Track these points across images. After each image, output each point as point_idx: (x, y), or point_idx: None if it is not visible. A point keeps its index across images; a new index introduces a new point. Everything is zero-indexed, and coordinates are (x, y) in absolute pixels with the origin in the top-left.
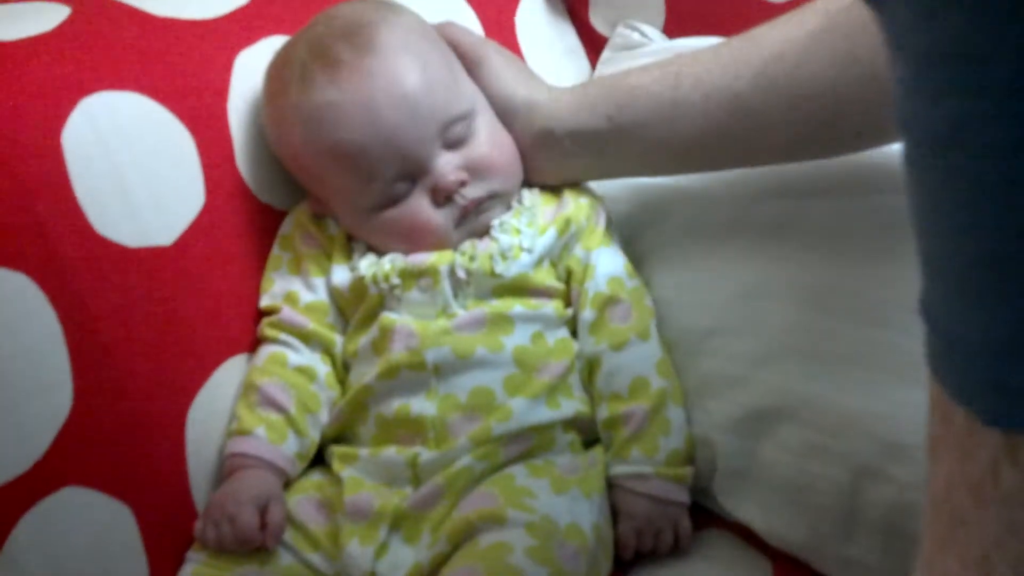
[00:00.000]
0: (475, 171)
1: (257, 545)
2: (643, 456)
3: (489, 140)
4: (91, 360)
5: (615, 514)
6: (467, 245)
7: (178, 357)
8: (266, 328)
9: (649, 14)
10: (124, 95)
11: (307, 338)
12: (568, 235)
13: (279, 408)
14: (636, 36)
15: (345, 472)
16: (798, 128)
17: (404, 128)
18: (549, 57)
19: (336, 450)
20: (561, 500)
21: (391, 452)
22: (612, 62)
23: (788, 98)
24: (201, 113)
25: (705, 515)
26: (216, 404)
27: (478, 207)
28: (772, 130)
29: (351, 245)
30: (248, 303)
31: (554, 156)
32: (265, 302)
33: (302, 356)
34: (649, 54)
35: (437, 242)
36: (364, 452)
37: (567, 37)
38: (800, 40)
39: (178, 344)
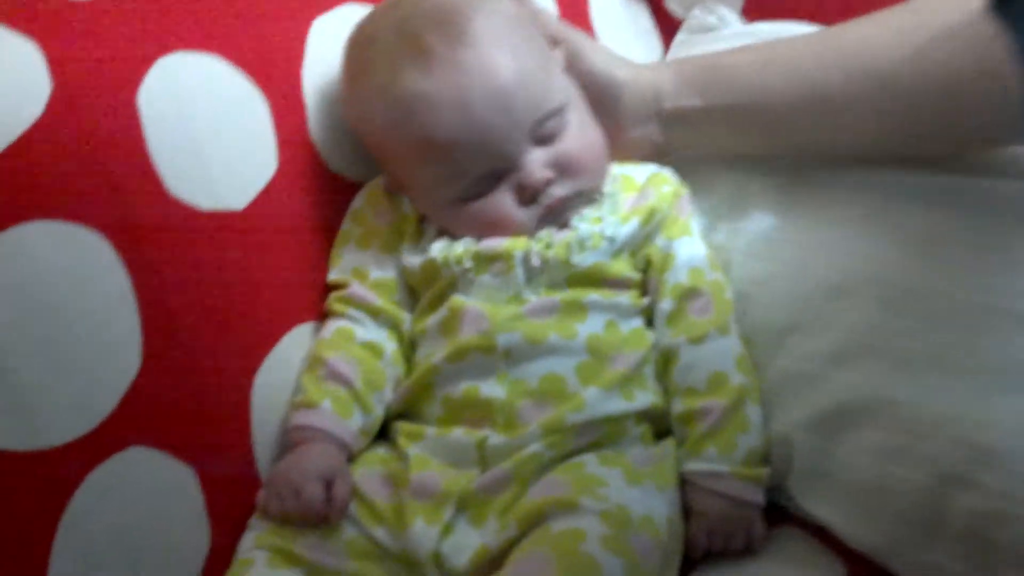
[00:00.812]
0: (563, 169)
1: (321, 519)
2: (719, 454)
3: (579, 136)
4: (160, 320)
5: (685, 511)
6: (544, 233)
7: (245, 322)
8: (334, 302)
9: None
10: (200, 56)
11: (375, 314)
12: (652, 225)
13: (345, 382)
14: (712, 19)
15: (411, 449)
16: (880, 124)
17: (497, 126)
18: (622, 38)
19: (402, 426)
20: (634, 491)
21: (459, 433)
22: (687, 44)
23: (869, 94)
24: (276, 78)
25: (779, 513)
26: (283, 371)
27: (563, 205)
28: (849, 127)
29: (423, 226)
30: (316, 271)
31: (656, 130)
32: (333, 276)
33: (369, 332)
34: (725, 38)
35: (516, 235)
36: (431, 431)
37: (641, 18)
38: (884, 39)
39: (246, 309)
